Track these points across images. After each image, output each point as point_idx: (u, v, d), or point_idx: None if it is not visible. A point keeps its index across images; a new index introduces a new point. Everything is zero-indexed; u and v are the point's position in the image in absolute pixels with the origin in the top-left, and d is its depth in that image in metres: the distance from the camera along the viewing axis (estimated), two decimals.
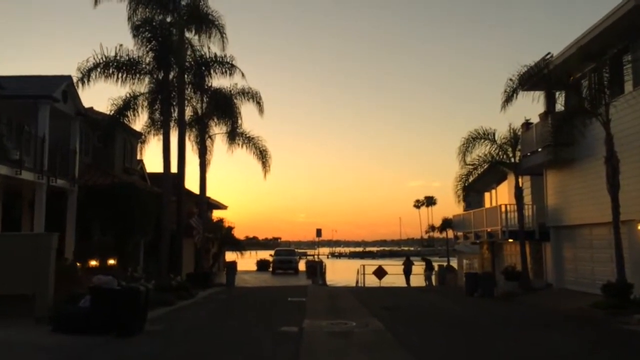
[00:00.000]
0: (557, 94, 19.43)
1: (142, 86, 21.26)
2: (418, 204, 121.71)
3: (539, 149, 20.70)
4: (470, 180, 22.93)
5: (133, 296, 12.47)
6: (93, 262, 19.30)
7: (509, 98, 17.53)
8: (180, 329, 13.25)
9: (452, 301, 20.53)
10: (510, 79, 17.22)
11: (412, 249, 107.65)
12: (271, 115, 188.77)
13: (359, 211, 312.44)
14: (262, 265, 44.27)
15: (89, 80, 20.11)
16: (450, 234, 32.78)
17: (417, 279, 32.96)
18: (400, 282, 32.62)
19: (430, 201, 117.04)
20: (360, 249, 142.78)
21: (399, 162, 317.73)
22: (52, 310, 12.89)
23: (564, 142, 18.66)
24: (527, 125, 22.02)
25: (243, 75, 22.83)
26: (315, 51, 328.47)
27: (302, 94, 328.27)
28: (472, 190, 25.05)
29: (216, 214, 35.48)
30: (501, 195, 26.41)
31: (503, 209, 23.13)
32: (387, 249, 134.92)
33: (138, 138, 25.33)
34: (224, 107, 24.10)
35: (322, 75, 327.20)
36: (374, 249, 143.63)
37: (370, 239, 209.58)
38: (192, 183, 28.76)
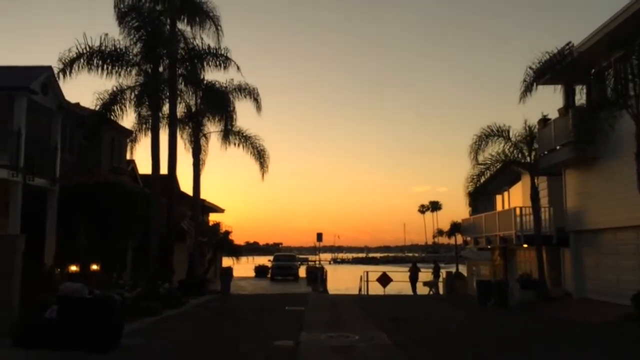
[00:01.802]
0: (579, 87, 17.89)
1: (130, 79, 19.81)
2: (423, 209, 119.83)
3: (558, 147, 19.13)
4: (481, 181, 21.39)
5: (106, 306, 11.00)
6: (73, 268, 17.77)
7: (528, 88, 16.04)
8: (162, 344, 11.75)
9: (465, 311, 18.97)
10: (530, 67, 15.72)
11: (416, 255, 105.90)
12: (271, 118, 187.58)
13: (362, 217, 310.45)
14: (260, 271, 42.78)
15: (71, 72, 18.62)
16: (459, 239, 31.18)
17: (423, 287, 31.40)
18: (406, 289, 31.05)
19: (435, 206, 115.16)
20: (363, 255, 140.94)
21: (404, 166, 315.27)
22: (16, 322, 11.44)
23: (586, 138, 17.10)
24: (544, 121, 20.44)
25: (238, 68, 21.35)
26: (318, 52, 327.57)
27: (304, 96, 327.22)
28: (484, 193, 23.46)
29: (213, 218, 33.97)
30: (514, 198, 24.82)
31: (518, 212, 21.53)
32: (390, 254, 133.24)
33: (128, 136, 23.87)
34: (219, 104, 22.59)
35: (324, 77, 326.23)
36: (377, 254, 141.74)
37: (374, 245, 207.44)
38: (186, 185, 27.29)
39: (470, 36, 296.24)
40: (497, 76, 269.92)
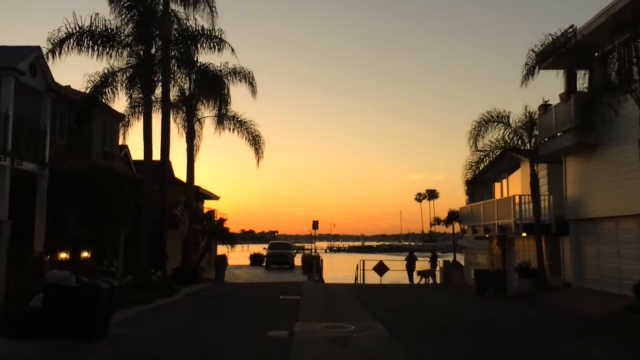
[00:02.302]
0: (581, 72, 17.47)
1: (121, 61, 19.24)
2: (419, 197, 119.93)
3: (559, 133, 18.72)
4: (480, 169, 21.00)
5: (93, 295, 10.66)
6: (63, 255, 17.34)
7: (530, 71, 15.57)
8: (151, 333, 11.43)
9: (463, 301, 18.68)
10: (533, 50, 15.23)
11: (412, 243, 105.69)
12: (267, 104, 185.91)
13: (358, 205, 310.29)
14: (256, 259, 42.47)
15: (60, 53, 18.06)
16: (457, 227, 30.82)
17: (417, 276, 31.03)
18: (402, 279, 30.76)
19: (432, 194, 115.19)
20: (359, 244, 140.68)
21: (400, 154, 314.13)
22: (1, 311, 11.09)
23: (589, 124, 16.69)
24: (545, 107, 19.98)
25: (233, 50, 20.76)
26: (314, 38, 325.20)
27: (300, 83, 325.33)
28: (482, 180, 23.09)
29: (208, 205, 33.56)
30: (513, 186, 24.40)
31: (517, 200, 21.14)
32: (387, 243, 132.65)
33: (120, 120, 23.35)
34: (213, 87, 22.03)
35: (321, 64, 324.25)
36: (374, 243, 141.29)
37: (370, 234, 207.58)
38: (181, 172, 26.91)
39: (470, 22, 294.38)
40: (495, 63, 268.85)
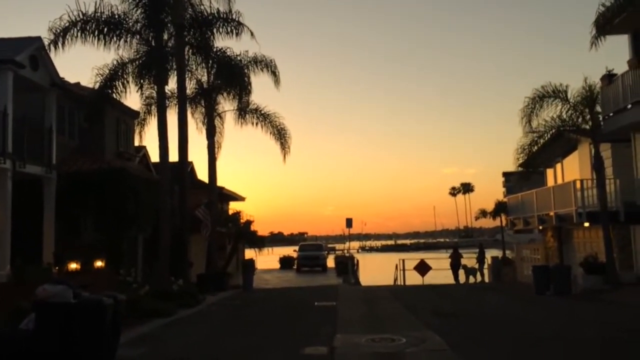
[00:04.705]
0: None
1: (130, 51, 17.54)
2: (454, 192, 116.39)
3: (629, 106, 16.29)
4: (534, 151, 18.69)
5: (94, 312, 8.86)
6: (74, 265, 15.69)
7: (600, 28, 13.18)
8: (168, 354, 9.67)
9: (524, 302, 16.44)
10: (603, 4, 12.91)
11: (448, 240, 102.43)
12: (291, 100, 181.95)
13: (389, 202, 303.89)
14: (286, 262, 40.66)
15: (63, 44, 16.46)
16: (504, 220, 28.38)
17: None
18: (444, 278, 28.45)
19: (467, 188, 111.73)
20: (391, 242, 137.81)
21: (431, 148, 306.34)
22: None
23: None
24: (609, 77, 17.56)
25: (252, 34, 18.71)
26: (341, 29, 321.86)
27: (327, 79, 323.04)
28: (533, 166, 20.69)
29: (233, 207, 31.81)
30: (569, 171, 21.88)
31: (578, 185, 18.72)
32: (421, 241, 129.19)
33: (135, 118, 21.71)
34: (232, 76, 20.08)
35: (349, 56, 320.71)
36: (407, 241, 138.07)
37: (402, 231, 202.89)
38: (203, 174, 25.19)
39: (502, 15, 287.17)
40: (530, 47, 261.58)
